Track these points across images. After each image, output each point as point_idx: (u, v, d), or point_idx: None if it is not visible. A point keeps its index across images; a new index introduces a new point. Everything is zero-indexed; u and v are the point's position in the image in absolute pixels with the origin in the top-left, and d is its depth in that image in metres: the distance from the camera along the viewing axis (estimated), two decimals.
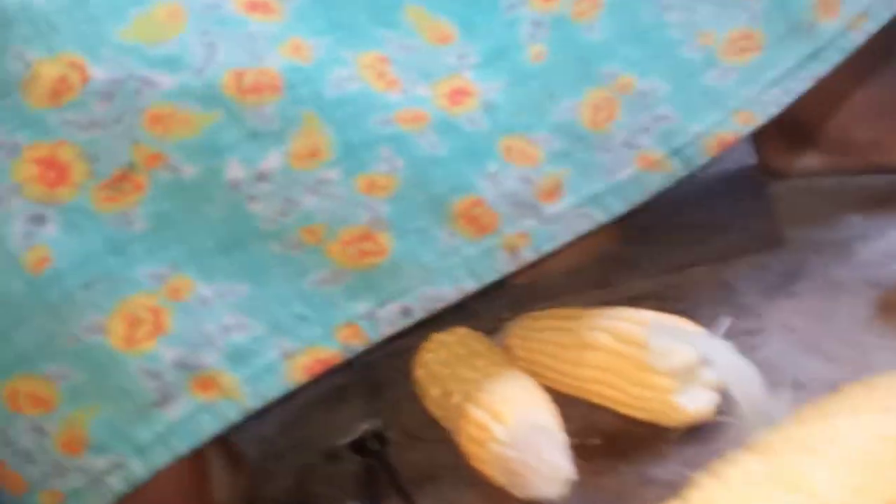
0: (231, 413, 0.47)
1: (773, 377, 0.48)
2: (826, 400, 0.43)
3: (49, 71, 0.45)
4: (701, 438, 0.50)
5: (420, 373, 0.61)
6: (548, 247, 0.53)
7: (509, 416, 0.51)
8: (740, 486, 0.37)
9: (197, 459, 0.51)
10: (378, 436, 0.59)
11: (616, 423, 0.54)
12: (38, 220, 0.46)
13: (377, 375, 0.67)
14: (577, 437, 0.51)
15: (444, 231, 0.51)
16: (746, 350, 0.50)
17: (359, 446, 0.59)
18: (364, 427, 0.60)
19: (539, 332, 0.60)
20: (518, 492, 0.49)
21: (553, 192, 0.53)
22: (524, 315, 0.62)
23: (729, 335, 0.51)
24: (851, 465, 0.37)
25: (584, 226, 0.54)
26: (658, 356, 0.50)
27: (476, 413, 0.52)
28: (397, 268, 0.50)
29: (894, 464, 0.38)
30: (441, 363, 0.60)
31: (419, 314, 0.50)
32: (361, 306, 0.50)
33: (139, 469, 0.46)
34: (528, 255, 0.52)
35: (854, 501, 0.36)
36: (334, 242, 0.49)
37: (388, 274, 0.50)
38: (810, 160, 0.74)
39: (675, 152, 0.55)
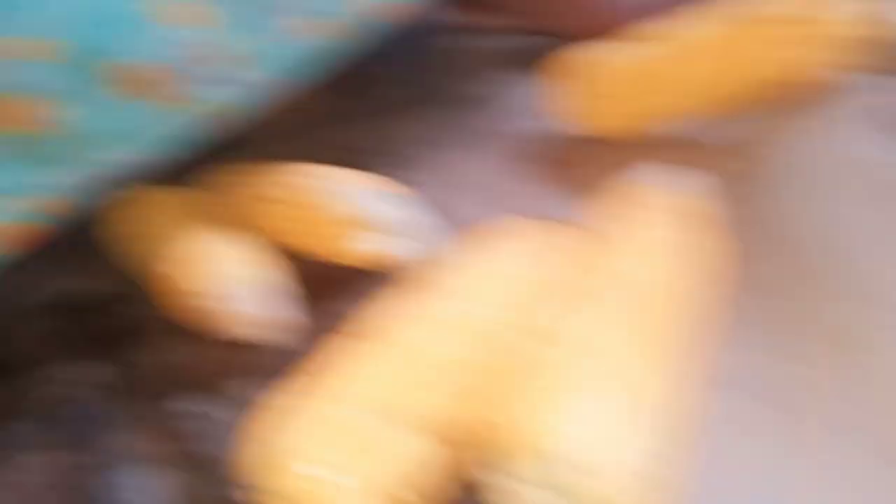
0: None
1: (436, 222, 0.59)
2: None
3: None
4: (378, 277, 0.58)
5: (119, 228, 0.64)
6: (245, 115, 0.55)
7: (209, 270, 0.56)
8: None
9: None
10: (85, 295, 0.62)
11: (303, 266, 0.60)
12: None
13: (84, 232, 0.65)
14: (274, 284, 0.58)
15: (120, 96, 0.49)
16: (409, 198, 0.58)
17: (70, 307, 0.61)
18: (73, 285, 0.62)
19: (232, 184, 0.64)
20: (226, 337, 0.56)
21: (240, 59, 0.54)
22: (216, 166, 0.66)
23: (390, 182, 0.59)
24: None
25: (281, 93, 0.56)
26: (339, 206, 0.57)
27: (174, 269, 0.57)
28: (73, 135, 0.48)
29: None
30: (137, 217, 0.63)
31: (109, 180, 0.50)
32: (43, 177, 0.48)
33: None
34: (225, 123, 0.54)
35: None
36: None
37: (63, 141, 0.48)
38: (476, 17, 0.82)
39: (357, 18, 0.57)
